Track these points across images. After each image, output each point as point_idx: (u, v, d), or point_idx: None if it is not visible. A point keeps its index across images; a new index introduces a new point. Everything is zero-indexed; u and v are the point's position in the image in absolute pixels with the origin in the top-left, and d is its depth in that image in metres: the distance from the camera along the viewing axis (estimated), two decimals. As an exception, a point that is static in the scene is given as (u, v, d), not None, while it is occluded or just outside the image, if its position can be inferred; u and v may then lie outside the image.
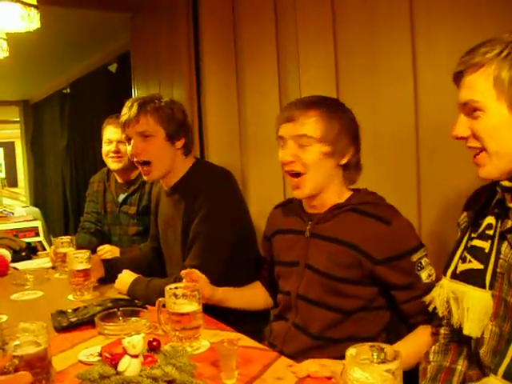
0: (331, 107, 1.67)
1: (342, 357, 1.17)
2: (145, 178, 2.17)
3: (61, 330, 1.70)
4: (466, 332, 1.22)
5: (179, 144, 2.12)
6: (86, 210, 3.12)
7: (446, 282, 1.29)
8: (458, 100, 1.20)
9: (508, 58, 1.12)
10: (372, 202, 1.66)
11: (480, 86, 1.14)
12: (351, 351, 0.96)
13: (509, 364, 1.11)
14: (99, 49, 5.43)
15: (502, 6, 1.71)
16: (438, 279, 1.41)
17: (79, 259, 2.11)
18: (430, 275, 1.56)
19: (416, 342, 1.50)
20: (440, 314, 1.32)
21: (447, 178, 1.91)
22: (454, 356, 1.34)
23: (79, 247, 2.50)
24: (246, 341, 1.57)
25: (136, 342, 1.19)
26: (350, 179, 1.72)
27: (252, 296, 1.96)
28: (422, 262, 1.56)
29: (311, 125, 1.62)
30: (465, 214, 1.39)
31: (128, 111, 2.08)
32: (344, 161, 1.66)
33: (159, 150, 2.09)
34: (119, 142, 2.81)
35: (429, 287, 1.43)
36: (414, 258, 1.55)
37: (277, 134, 1.71)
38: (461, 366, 1.32)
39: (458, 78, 1.20)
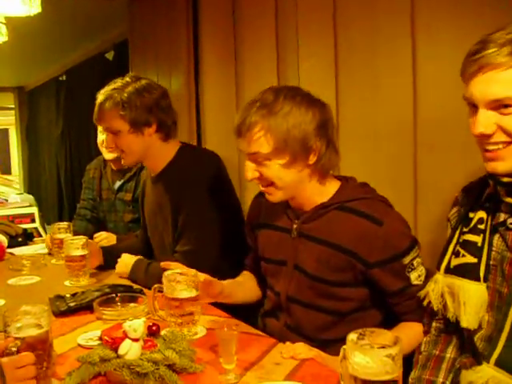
0: (277, 112, 1.50)
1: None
2: (122, 162, 2.18)
3: (59, 314, 1.71)
4: (464, 325, 1.23)
5: (151, 130, 2.06)
6: (82, 196, 3.12)
7: (441, 277, 1.31)
8: (481, 96, 1.14)
9: None
10: (362, 198, 1.58)
11: None
12: (352, 336, 0.97)
13: (501, 352, 1.14)
14: (96, 36, 5.41)
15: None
16: (431, 274, 1.43)
17: (75, 245, 2.12)
18: (419, 276, 1.53)
19: (407, 332, 1.50)
20: (435, 308, 1.33)
21: (444, 172, 1.92)
22: (443, 345, 1.37)
23: (76, 234, 2.51)
24: (244, 327, 1.58)
25: (137, 325, 1.20)
26: (325, 172, 1.60)
27: (251, 288, 1.92)
28: (414, 263, 1.53)
29: (259, 141, 1.51)
30: (455, 209, 1.40)
31: (95, 109, 2.09)
32: (311, 160, 1.55)
33: (127, 142, 2.06)
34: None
35: (419, 288, 1.44)
36: (407, 260, 1.52)
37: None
38: (449, 353, 1.35)
39: (477, 73, 1.14)
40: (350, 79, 2.31)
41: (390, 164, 2.16)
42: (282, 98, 1.53)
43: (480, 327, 1.22)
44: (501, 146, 1.15)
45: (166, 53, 3.82)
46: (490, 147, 1.16)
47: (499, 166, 1.16)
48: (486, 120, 1.14)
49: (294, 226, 1.65)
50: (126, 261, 2.14)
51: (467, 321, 1.22)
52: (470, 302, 1.22)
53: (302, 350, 1.40)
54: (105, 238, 2.61)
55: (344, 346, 1.01)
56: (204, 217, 2.03)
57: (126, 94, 2.02)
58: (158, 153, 2.12)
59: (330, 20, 2.38)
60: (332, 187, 1.63)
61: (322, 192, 1.61)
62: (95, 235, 2.65)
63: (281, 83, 2.71)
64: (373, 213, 1.53)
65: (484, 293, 1.21)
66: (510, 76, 1.10)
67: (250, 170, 1.57)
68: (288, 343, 1.45)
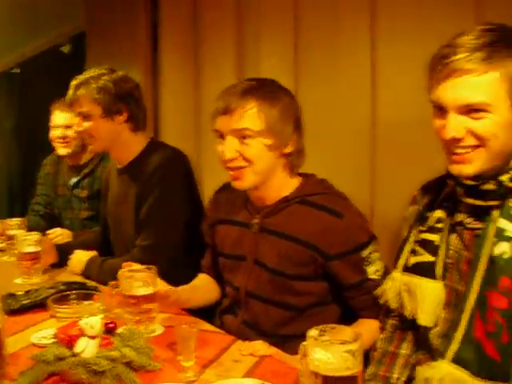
0: (269, 93, 1.57)
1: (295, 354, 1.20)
2: (89, 148, 2.23)
3: (11, 312, 1.66)
4: (421, 323, 1.26)
5: (121, 118, 2.11)
6: (36, 192, 3.05)
7: (398, 275, 1.33)
8: (452, 101, 1.15)
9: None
10: (322, 193, 1.61)
11: (488, 86, 1.12)
12: (313, 332, 0.97)
13: (457, 349, 1.16)
14: (52, 28, 5.27)
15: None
16: (388, 271, 1.45)
17: (28, 241, 2.07)
18: (377, 270, 1.55)
19: (365, 329, 1.49)
20: (392, 306, 1.35)
21: (401, 170, 1.96)
22: (398, 342, 1.40)
23: (30, 230, 2.44)
24: (202, 324, 1.57)
25: (94, 322, 1.18)
26: (294, 166, 1.64)
27: (210, 290, 1.89)
28: (372, 256, 1.55)
29: (250, 117, 1.53)
30: (412, 208, 1.42)
31: (69, 92, 2.12)
32: (288, 149, 1.59)
33: (97, 127, 2.09)
34: (67, 126, 2.79)
35: (376, 283, 1.47)
36: (365, 253, 1.54)
37: (213, 126, 1.60)
38: (404, 350, 1.38)
39: (447, 77, 1.15)
40: (310, 79, 2.33)
41: (349, 162, 2.19)
42: (276, 85, 1.63)
43: (436, 324, 1.25)
44: (469, 149, 1.17)
45: (125, 49, 3.75)
46: (459, 150, 1.17)
47: (465, 169, 1.18)
48: (457, 125, 1.15)
49: (255, 221, 1.65)
50: (80, 257, 2.11)
51: (424, 319, 1.25)
52: (428, 300, 1.24)
53: (261, 347, 1.40)
54: (59, 235, 2.56)
55: (304, 343, 1.01)
56: (167, 212, 2.03)
57: (101, 81, 2.08)
58: (126, 143, 2.15)
59: (290, 20, 2.39)
60: (294, 182, 1.65)
61: (286, 185, 1.63)
62: (49, 231, 2.59)
63: (240, 79, 2.71)
64: (334, 206, 1.55)
65: (441, 291, 1.24)
66: (481, 81, 1.12)
67: (231, 149, 1.55)
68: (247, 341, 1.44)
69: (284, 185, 1.63)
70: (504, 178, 1.17)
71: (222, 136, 1.58)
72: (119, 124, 2.11)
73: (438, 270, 1.25)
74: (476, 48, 1.12)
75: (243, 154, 1.55)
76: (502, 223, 1.16)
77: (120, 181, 2.20)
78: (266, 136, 1.54)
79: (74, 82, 2.10)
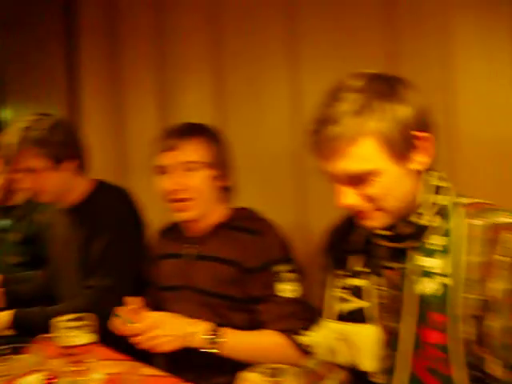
0: (211, 133, 1.76)
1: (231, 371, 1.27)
2: (40, 199, 2.10)
3: None
4: (366, 369, 1.23)
5: (69, 166, 2.05)
6: None
7: (328, 324, 1.31)
8: (336, 171, 1.15)
9: (380, 117, 1.10)
10: (247, 217, 1.75)
11: (366, 153, 1.11)
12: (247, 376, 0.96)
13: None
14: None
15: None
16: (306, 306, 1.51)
17: None
18: (292, 290, 1.61)
19: (267, 338, 1.57)
20: (321, 357, 1.33)
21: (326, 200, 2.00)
22: (326, 370, 1.36)
23: None
24: (146, 369, 1.53)
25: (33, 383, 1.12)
26: (229, 199, 1.80)
27: None
28: (287, 275, 1.61)
29: (198, 151, 1.69)
30: (325, 253, 1.44)
31: (8, 147, 2.00)
32: (228, 183, 1.76)
33: (46, 180, 2.02)
34: None
35: (285, 300, 1.56)
36: (278, 268, 1.61)
37: (156, 162, 1.71)
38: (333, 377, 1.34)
39: (325, 151, 1.14)
40: (231, 111, 2.39)
41: (276, 188, 2.25)
42: (212, 127, 1.84)
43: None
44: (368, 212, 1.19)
45: (41, 83, 3.66)
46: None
47: (376, 223, 1.20)
48: (347, 193, 1.17)
49: (189, 250, 1.75)
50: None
51: (369, 365, 1.23)
52: (368, 345, 1.23)
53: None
54: None
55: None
56: (121, 253, 1.98)
57: (42, 132, 1.99)
58: (72, 186, 2.09)
59: (213, 56, 2.42)
60: (226, 212, 1.79)
61: (220, 215, 1.76)
62: None
63: (162, 113, 2.74)
64: (254, 227, 1.70)
65: (378, 333, 1.23)
66: (352, 151, 1.12)
67: (177, 182, 1.67)
68: None
69: (220, 215, 1.76)
70: (414, 218, 1.18)
71: (164, 171, 1.68)
72: (66, 171, 2.05)
73: (372, 313, 1.25)
74: (326, 119, 1.13)
75: (188, 184, 1.66)
76: (421, 261, 1.19)
77: (67, 223, 2.15)
78: (211, 168, 1.69)
79: (15, 135, 1.98)
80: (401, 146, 1.12)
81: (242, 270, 1.63)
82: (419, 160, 1.16)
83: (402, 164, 1.14)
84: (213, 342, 1.52)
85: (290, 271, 1.62)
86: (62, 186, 2.06)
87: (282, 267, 1.61)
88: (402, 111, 1.11)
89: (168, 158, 1.69)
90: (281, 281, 1.60)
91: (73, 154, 2.08)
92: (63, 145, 2.04)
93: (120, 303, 1.63)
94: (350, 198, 1.16)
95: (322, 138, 1.13)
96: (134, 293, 1.97)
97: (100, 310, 1.58)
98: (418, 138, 1.13)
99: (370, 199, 1.16)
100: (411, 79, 1.20)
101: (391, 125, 1.10)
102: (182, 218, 1.71)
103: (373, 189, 1.14)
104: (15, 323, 1.90)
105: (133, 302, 1.63)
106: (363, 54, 1.90)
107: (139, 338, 1.52)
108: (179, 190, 1.67)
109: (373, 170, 1.12)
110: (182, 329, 1.53)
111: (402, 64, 1.83)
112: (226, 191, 1.78)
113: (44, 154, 1.98)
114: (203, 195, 1.70)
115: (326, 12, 2.02)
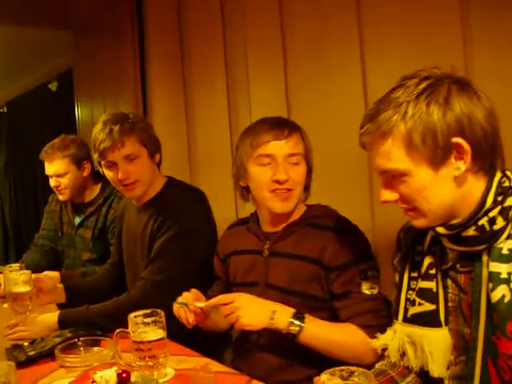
0: (302, 129, 1.74)
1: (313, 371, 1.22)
2: (127, 194, 2.11)
3: (18, 365, 1.56)
4: (434, 375, 1.21)
5: (157, 158, 2.13)
6: (42, 226, 3.00)
7: (400, 327, 1.29)
8: (375, 167, 1.20)
9: (413, 118, 1.10)
10: (325, 215, 1.70)
11: (395, 154, 1.13)
12: (323, 378, 0.95)
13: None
14: (39, 66, 5.29)
15: (447, 14, 1.78)
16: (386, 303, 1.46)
17: (14, 281, 1.91)
18: (372, 288, 1.58)
19: (349, 329, 1.53)
20: (392, 359, 1.31)
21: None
22: (402, 371, 1.33)
23: (26, 268, 2.34)
24: (216, 366, 1.54)
25: (109, 376, 1.15)
26: (307, 195, 1.77)
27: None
28: (369, 273, 1.58)
29: (300, 144, 1.68)
30: (399, 254, 1.40)
31: (107, 136, 2.00)
32: (311, 178, 1.74)
33: (145, 169, 2.07)
34: (57, 176, 2.71)
35: (368, 297, 1.53)
36: (359, 266, 1.57)
37: (262, 152, 1.66)
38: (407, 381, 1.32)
39: (366, 147, 1.20)
40: (301, 102, 2.36)
41: (346, 185, 2.18)
42: None
43: (447, 368, 1.22)
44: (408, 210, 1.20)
45: (113, 81, 3.77)
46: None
47: (415, 223, 1.22)
48: (386, 188, 1.21)
49: (266, 247, 1.72)
50: (47, 320, 1.91)
51: (437, 371, 1.21)
52: (437, 350, 1.21)
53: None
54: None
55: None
56: (182, 248, 1.98)
57: (140, 123, 2.09)
58: (153, 183, 2.13)
59: (279, 47, 2.41)
60: (302, 209, 1.75)
61: (298, 210, 1.73)
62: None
63: (231, 106, 2.76)
64: (338, 226, 1.65)
65: (448, 337, 1.21)
66: (384, 149, 1.15)
67: (285, 171, 1.65)
68: None
69: (298, 210, 1.72)
70: (483, 222, 1.14)
71: (273, 160, 1.65)
72: (155, 164, 2.12)
73: (441, 316, 1.22)
74: (373, 116, 1.17)
75: (292, 176, 1.64)
76: (494, 267, 1.13)
77: (138, 218, 2.17)
78: (306, 162, 1.70)
79: (114, 124, 2.00)
80: (434, 151, 1.11)
81: (323, 268, 1.59)
82: (457, 166, 1.12)
83: (436, 168, 1.13)
84: (296, 326, 1.50)
85: (370, 269, 1.60)
86: (152, 177, 2.10)
87: (364, 265, 1.58)
88: (442, 115, 1.09)
89: (275, 148, 1.65)
90: (363, 279, 1.57)
91: (159, 147, 2.14)
92: (154, 137, 2.12)
93: (172, 299, 1.61)
94: (386, 194, 1.20)
95: (362, 133, 1.19)
96: (202, 286, 2.01)
97: (148, 304, 1.56)
98: (457, 144, 1.10)
99: (404, 199, 1.18)
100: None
101: (424, 127, 1.10)
102: (284, 210, 1.67)
103: (405, 189, 1.16)
104: (61, 324, 1.90)
105: (193, 294, 1.62)
106: (435, 48, 1.83)
107: (225, 307, 1.52)
108: (287, 181, 1.64)
109: (401, 169, 1.14)
110: (268, 308, 1.52)
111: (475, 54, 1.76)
112: (306, 188, 1.75)
113: (142, 142, 2.04)
114: (301, 188, 1.68)
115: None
